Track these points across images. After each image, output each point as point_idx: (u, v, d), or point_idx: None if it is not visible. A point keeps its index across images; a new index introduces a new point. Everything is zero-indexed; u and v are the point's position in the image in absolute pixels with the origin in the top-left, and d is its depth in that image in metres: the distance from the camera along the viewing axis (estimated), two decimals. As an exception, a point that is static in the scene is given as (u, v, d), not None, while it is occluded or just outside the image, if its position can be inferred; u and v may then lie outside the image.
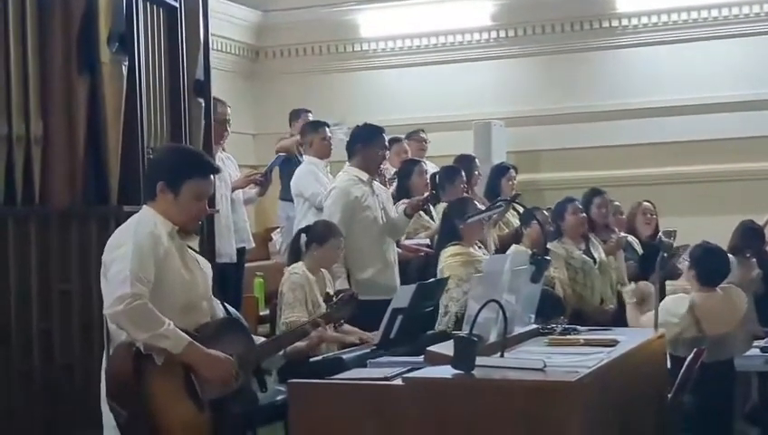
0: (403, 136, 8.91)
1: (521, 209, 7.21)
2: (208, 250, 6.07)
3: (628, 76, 9.96)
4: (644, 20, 9.98)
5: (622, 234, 7.46)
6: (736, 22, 9.69)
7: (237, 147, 7.86)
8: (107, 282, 3.72)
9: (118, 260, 3.70)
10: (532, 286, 4.60)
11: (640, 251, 7.50)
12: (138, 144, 5.46)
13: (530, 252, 5.48)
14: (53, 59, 5.33)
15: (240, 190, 7.32)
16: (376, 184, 6.70)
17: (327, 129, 7.74)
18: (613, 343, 4.27)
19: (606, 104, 9.94)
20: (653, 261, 5.47)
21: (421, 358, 4.03)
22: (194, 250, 4.00)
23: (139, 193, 4.95)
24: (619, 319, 6.51)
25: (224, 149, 7.19)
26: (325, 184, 7.26)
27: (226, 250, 6.84)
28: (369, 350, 4.79)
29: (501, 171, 8.47)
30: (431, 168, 8.36)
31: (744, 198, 8.92)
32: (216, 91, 6.62)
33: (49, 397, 5.16)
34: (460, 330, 4.42)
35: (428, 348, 4.04)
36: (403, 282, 6.31)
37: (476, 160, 8.49)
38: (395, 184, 7.76)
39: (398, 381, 3.65)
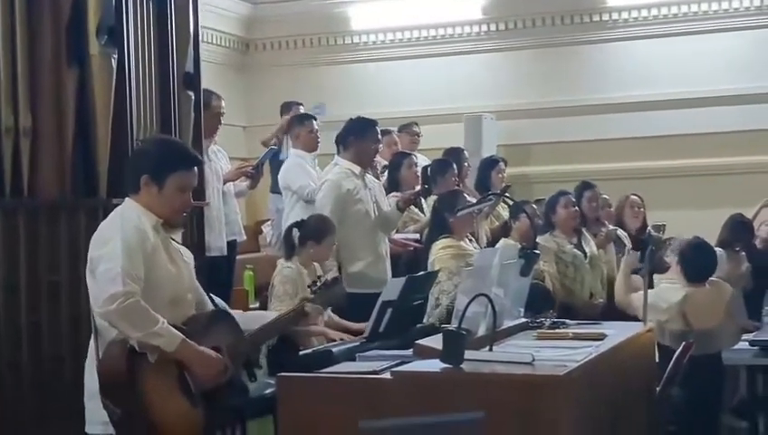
0: (394, 129, 8.90)
1: (511, 202, 7.22)
2: (198, 243, 6.07)
3: (619, 70, 9.97)
4: (634, 14, 10.00)
5: (612, 227, 7.48)
6: (725, 16, 9.71)
7: (228, 139, 7.84)
8: (96, 279, 3.70)
9: (106, 257, 3.67)
10: (522, 280, 4.61)
11: (629, 244, 7.52)
12: (127, 137, 5.43)
13: (519, 245, 5.49)
14: (42, 51, 5.30)
15: (231, 183, 7.31)
16: (368, 177, 6.70)
17: (314, 122, 7.74)
18: (602, 337, 4.28)
19: (596, 98, 9.95)
20: (642, 255, 5.48)
21: (410, 351, 4.04)
22: (176, 241, 3.98)
23: (128, 186, 4.93)
24: (608, 313, 6.53)
25: (215, 142, 7.17)
26: (313, 177, 7.26)
27: (217, 244, 6.82)
28: (358, 343, 4.80)
29: (491, 164, 8.48)
30: (422, 161, 8.36)
31: (733, 191, 8.94)
32: (206, 83, 6.59)
33: (38, 389, 5.15)
34: (450, 323, 4.43)
35: (417, 341, 4.05)
36: (393, 275, 6.32)
37: (466, 153, 8.50)
38: (385, 176, 7.76)
39: (387, 375, 3.66)
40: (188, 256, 4.05)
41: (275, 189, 8.14)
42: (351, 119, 6.75)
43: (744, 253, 7.27)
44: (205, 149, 6.50)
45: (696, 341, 5.20)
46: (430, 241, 6.39)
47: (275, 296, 5.58)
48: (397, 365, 3.78)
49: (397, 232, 7.26)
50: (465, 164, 8.33)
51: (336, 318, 5.80)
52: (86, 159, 5.39)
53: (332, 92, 10.47)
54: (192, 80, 6.09)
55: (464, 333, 3.59)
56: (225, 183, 7.17)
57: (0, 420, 5.07)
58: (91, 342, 3.84)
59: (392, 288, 4.93)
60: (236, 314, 4.38)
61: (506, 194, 7.48)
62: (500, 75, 10.32)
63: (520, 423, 3.41)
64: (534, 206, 7.42)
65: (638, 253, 6.16)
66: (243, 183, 7.51)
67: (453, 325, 3.74)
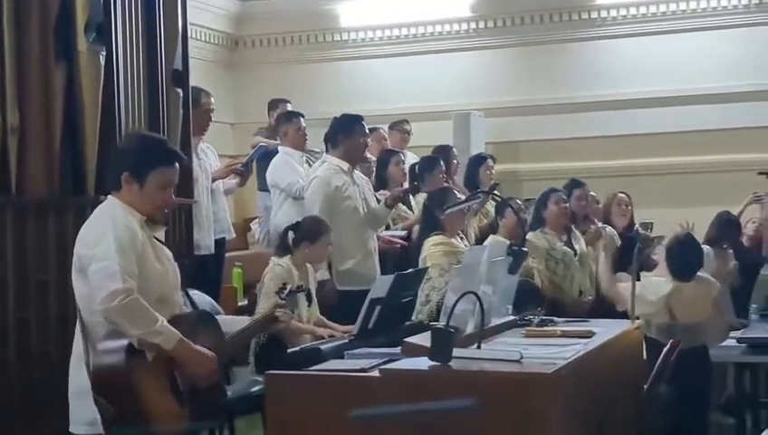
0: (382, 126, 8.90)
1: (499, 199, 7.23)
2: (187, 241, 6.06)
3: (607, 68, 9.99)
4: (622, 12, 10.02)
5: (601, 224, 7.49)
6: (714, 14, 9.74)
7: (216, 136, 7.83)
8: (89, 277, 3.69)
9: (100, 255, 3.67)
10: (510, 278, 4.61)
11: (618, 242, 7.54)
12: (115, 134, 5.42)
13: (507, 242, 5.49)
14: (30, 48, 5.28)
15: (220, 180, 7.30)
16: (356, 174, 6.70)
17: (302, 119, 7.74)
18: (590, 335, 4.29)
19: (584, 96, 9.97)
20: (630, 253, 5.49)
21: (399, 349, 4.04)
22: (159, 241, 3.97)
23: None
24: (597, 310, 6.54)
25: (203, 140, 7.15)
26: (302, 174, 7.25)
27: (205, 242, 6.81)
28: (347, 341, 4.80)
29: (479, 161, 8.50)
30: (411, 158, 8.37)
31: (721, 189, 8.96)
32: (195, 80, 6.58)
33: (25, 386, 5.14)
34: (439, 320, 4.43)
35: (406, 339, 4.05)
36: (382, 273, 6.32)
37: (454, 150, 8.51)
38: (374, 173, 7.76)
39: (375, 373, 3.66)
40: (169, 254, 4.04)
41: (263, 187, 8.13)
42: (337, 117, 6.76)
43: (731, 250, 7.29)
44: (194, 147, 6.50)
45: (682, 335, 5.22)
46: (421, 238, 6.40)
47: (264, 294, 5.60)
48: (385, 363, 3.78)
49: (387, 229, 7.27)
50: (454, 161, 8.35)
51: (324, 320, 5.80)
52: (74, 156, 5.37)
53: (320, 90, 10.47)
54: (181, 77, 6.08)
55: (452, 330, 3.59)
56: (214, 181, 7.16)
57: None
58: (77, 340, 3.83)
59: (381, 286, 4.93)
60: None
61: (495, 191, 7.49)
62: (489, 73, 10.33)
63: (508, 421, 3.41)
64: (519, 202, 7.44)
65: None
66: (232, 180, 7.51)
67: (441, 323, 3.74)
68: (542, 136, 10.08)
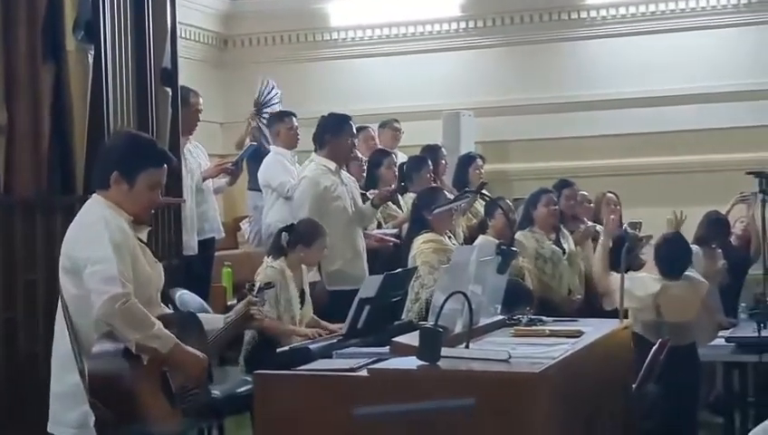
0: (371, 125, 8.89)
1: (488, 199, 7.23)
2: (176, 242, 6.04)
3: (596, 67, 10.00)
4: (612, 11, 10.03)
5: (590, 223, 7.50)
6: (704, 14, 9.75)
7: (205, 136, 7.82)
8: (85, 280, 3.65)
9: (96, 258, 3.63)
10: (499, 277, 4.61)
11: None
12: (103, 134, 5.39)
13: (497, 242, 5.50)
14: (18, 47, 5.26)
15: (210, 179, 7.28)
16: (344, 173, 6.70)
17: (294, 119, 7.73)
18: (578, 334, 4.29)
19: (574, 95, 9.97)
20: (618, 252, 5.51)
21: (387, 349, 4.04)
22: (142, 241, 3.94)
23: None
24: (586, 309, 6.56)
25: (190, 141, 7.13)
26: (293, 174, 7.23)
27: (189, 243, 6.77)
28: (335, 340, 4.79)
29: (468, 161, 8.50)
30: (401, 158, 8.37)
31: (709, 189, 8.98)
32: (184, 79, 6.57)
33: (13, 386, 5.12)
34: (428, 319, 4.43)
35: (394, 339, 4.05)
36: (372, 272, 6.31)
37: (443, 150, 8.51)
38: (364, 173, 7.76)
39: (364, 373, 3.66)
40: (151, 255, 4.03)
41: (253, 186, 8.12)
42: (324, 116, 6.74)
43: (720, 250, 7.32)
44: (181, 147, 6.48)
45: (669, 333, 5.24)
46: (409, 237, 6.41)
47: (255, 294, 5.57)
48: (373, 362, 3.78)
49: (379, 227, 7.27)
50: (442, 161, 8.34)
51: (318, 320, 5.80)
52: (62, 156, 5.35)
53: (310, 89, 10.45)
54: (170, 76, 6.06)
55: (440, 330, 3.59)
56: (204, 180, 7.15)
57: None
58: (61, 340, 3.80)
59: (370, 285, 4.93)
60: None
61: (483, 191, 7.50)
62: (478, 72, 10.33)
63: (496, 420, 3.40)
64: (509, 202, 7.44)
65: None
66: (222, 180, 7.50)
67: (430, 323, 3.74)
68: (532, 136, 10.09)
